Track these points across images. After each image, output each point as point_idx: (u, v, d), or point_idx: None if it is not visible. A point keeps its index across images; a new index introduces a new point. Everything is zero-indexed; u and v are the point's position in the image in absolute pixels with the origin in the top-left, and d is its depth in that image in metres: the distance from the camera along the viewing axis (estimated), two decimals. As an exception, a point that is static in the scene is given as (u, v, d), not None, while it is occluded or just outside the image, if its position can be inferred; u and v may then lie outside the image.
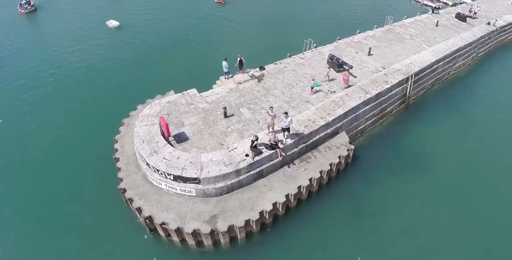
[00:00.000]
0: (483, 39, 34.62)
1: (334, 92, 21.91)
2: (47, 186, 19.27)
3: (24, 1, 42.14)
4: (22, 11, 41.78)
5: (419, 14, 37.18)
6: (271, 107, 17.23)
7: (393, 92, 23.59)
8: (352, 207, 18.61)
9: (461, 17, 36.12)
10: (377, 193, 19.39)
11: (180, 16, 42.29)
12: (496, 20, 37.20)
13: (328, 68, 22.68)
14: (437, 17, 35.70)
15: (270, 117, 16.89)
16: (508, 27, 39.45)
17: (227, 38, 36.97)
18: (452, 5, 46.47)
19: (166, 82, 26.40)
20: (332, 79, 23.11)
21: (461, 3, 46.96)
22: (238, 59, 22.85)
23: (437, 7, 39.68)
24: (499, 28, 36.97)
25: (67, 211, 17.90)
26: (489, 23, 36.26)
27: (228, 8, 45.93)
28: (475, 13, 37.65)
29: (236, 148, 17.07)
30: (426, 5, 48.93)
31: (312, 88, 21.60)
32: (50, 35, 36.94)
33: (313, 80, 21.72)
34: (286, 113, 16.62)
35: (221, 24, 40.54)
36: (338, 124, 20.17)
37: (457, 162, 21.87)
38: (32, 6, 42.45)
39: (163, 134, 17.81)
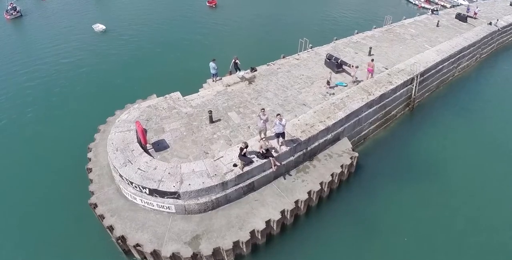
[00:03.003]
0: (486, 40, 33.25)
1: (333, 94, 19.90)
2: (11, 199, 17.35)
3: (10, 7, 42.02)
4: (8, 17, 41.51)
5: (418, 15, 35.85)
6: (263, 109, 15.07)
7: (397, 93, 21.68)
8: (357, 223, 16.36)
9: (461, 18, 34.93)
10: (384, 206, 17.21)
11: (169, 19, 41.37)
12: (497, 20, 36.04)
13: (355, 67, 21.05)
14: (437, 18, 34.44)
15: (262, 121, 14.72)
16: (509, 28, 38.33)
17: (218, 41, 35.60)
18: (450, 7, 45.30)
19: (150, 86, 24.55)
20: (360, 81, 21.22)
21: (458, 5, 45.85)
22: (233, 61, 21.03)
23: (435, 9, 38.39)
24: (500, 28, 35.70)
25: (33, 228, 15.90)
26: (490, 23, 35.03)
27: (219, 11, 45.12)
28: (475, 13, 36.37)
29: (222, 157, 14.85)
30: (424, 7, 47.87)
31: (328, 82, 20.22)
32: (35, 40, 35.99)
33: (331, 73, 20.73)
34: (279, 115, 14.50)
35: (212, 27, 39.46)
36: (340, 129, 18.07)
37: (470, 169, 19.86)
38: (18, 12, 42.34)
39: (139, 142, 15.61)
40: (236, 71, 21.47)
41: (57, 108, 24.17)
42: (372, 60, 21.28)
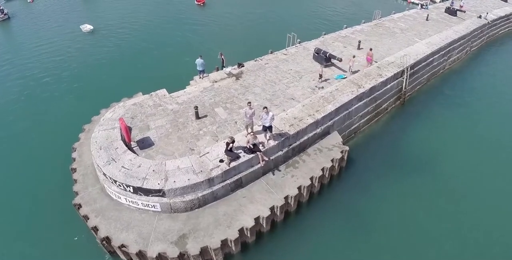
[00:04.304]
0: (476, 33, 33.19)
1: (322, 88, 19.57)
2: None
3: None
4: None
5: (408, 10, 35.76)
6: (249, 102, 14.65)
7: (388, 86, 21.40)
8: (349, 218, 15.96)
9: (451, 11, 34.97)
10: (376, 201, 16.84)
11: (157, 18, 40.89)
12: (487, 13, 36.08)
13: (352, 56, 21.09)
14: (427, 12, 34.37)
15: (248, 115, 14.33)
16: (498, 21, 38.39)
17: (206, 38, 35.20)
18: (440, 2, 45.30)
19: (137, 84, 24.01)
20: (357, 71, 21.14)
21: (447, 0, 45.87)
22: (222, 57, 20.87)
23: (424, 4, 38.29)
24: (490, 21, 35.73)
25: (16, 231, 15.37)
26: (480, 17, 35.02)
27: (208, 9, 44.75)
28: (461, 6, 36.42)
29: (208, 153, 14.40)
30: (413, 3, 47.78)
31: (320, 76, 19.86)
32: (23, 42, 35.30)
33: (322, 66, 20.63)
34: (266, 108, 14.08)
35: (200, 25, 39.03)
36: (329, 123, 17.70)
37: (461, 162, 19.63)
38: (5, 15, 41.42)
39: (124, 140, 15.14)
40: (222, 68, 21.09)
41: (43, 108, 23.59)
42: (371, 49, 21.50)
